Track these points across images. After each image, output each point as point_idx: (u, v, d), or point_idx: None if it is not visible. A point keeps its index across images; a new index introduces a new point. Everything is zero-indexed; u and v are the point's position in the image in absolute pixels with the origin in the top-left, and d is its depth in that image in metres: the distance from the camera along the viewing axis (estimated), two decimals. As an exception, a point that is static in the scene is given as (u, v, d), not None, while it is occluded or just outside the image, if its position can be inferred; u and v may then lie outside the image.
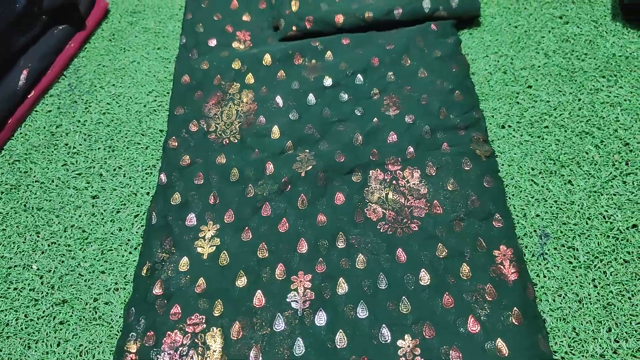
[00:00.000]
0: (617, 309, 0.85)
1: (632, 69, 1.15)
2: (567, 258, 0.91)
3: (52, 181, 1.09)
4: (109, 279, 0.95)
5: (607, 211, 0.95)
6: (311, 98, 1.15)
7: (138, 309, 0.88)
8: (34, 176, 1.10)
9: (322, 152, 1.05)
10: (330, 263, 0.90)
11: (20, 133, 1.18)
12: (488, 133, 1.07)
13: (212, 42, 1.30)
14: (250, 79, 1.20)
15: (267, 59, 1.23)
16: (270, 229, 0.95)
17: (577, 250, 0.91)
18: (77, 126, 1.19)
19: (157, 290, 0.89)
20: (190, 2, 1.40)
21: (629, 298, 0.85)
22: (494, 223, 0.93)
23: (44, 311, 0.92)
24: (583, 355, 0.81)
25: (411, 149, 1.04)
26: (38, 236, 1.01)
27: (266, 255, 0.92)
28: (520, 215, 0.96)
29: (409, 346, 0.81)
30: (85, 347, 0.87)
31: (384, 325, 0.83)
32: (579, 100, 1.12)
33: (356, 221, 0.95)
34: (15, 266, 0.98)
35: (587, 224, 0.94)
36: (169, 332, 0.85)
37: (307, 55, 1.23)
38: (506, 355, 0.78)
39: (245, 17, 1.36)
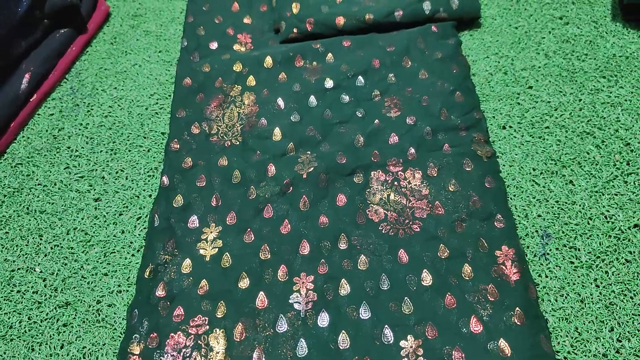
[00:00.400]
0: (619, 308, 0.85)
1: (632, 69, 1.16)
2: (569, 258, 0.91)
3: (55, 184, 1.10)
4: (111, 282, 0.95)
5: (608, 211, 0.95)
6: (312, 100, 1.15)
7: (141, 311, 0.88)
8: (37, 179, 1.11)
9: (323, 154, 1.05)
10: (332, 264, 0.91)
11: (23, 136, 1.19)
12: (489, 134, 1.08)
13: (214, 45, 1.31)
14: (251, 81, 1.21)
15: (268, 61, 1.23)
16: (273, 231, 0.95)
17: (579, 250, 0.91)
18: (79, 129, 1.19)
19: (160, 292, 0.90)
20: (191, 5, 1.40)
21: (631, 297, 0.86)
22: (495, 223, 0.93)
23: (47, 314, 0.92)
24: (585, 355, 0.81)
25: (412, 150, 1.04)
26: (41, 239, 1.02)
27: (268, 257, 0.92)
28: (521, 215, 0.97)
29: (411, 346, 0.81)
30: (89, 349, 0.88)
31: (386, 325, 0.83)
32: (580, 100, 1.12)
33: (358, 222, 0.95)
34: (19, 269, 0.98)
35: (588, 224, 0.94)
36: (172, 334, 0.85)
37: (308, 57, 1.24)
38: (509, 355, 0.78)
39: (246, 20, 1.36)
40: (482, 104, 1.14)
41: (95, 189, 1.08)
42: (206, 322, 0.86)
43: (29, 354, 0.88)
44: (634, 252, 0.90)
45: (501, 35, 1.27)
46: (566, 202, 0.97)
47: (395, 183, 1.00)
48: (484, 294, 0.85)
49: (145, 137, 1.16)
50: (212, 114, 1.15)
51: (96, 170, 1.11)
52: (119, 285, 0.94)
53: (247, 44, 1.31)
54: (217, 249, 0.94)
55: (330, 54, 1.24)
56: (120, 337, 0.88)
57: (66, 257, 0.99)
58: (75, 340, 0.89)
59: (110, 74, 1.30)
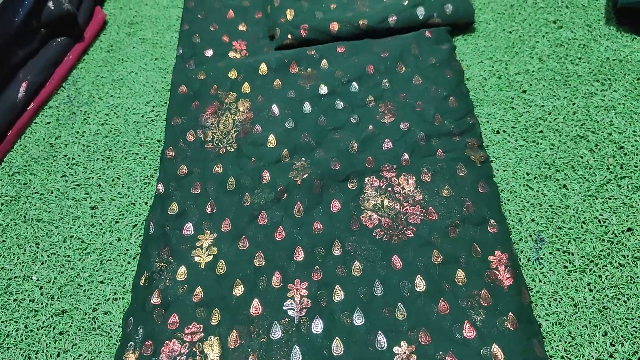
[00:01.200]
0: (613, 312, 0.85)
1: (625, 72, 1.16)
2: (563, 262, 0.91)
3: (52, 192, 1.10)
4: (107, 289, 0.96)
5: (602, 215, 0.96)
6: (307, 106, 1.16)
7: (136, 319, 0.88)
8: (34, 187, 1.11)
9: (317, 160, 1.05)
10: (326, 270, 0.91)
11: (20, 145, 1.20)
12: (483, 138, 1.08)
13: (209, 53, 1.31)
14: (246, 88, 1.21)
15: (263, 68, 1.24)
16: (267, 238, 0.96)
17: (573, 254, 0.92)
18: (76, 137, 1.20)
19: (155, 299, 0.90)
20: (186, 13, 1.41)
21: (625, 302, 0.86)
22: (489, 228, 0.93)
23: (43, 322, 0.93)
24: (579, 360, 0.81)
25: (406, 156, 1.04)
26: (38, 247, 1.02)
27: (263, 264, 0.93)
28: (515, 220, 0.97)
29: (405, 352, 0.81)
30: (85, 357, 0.88)
31: (380, 331, 0.83)
32: (574, 104, 1.12)
33: (352, 228, 0.96)
34: (15, 277, 0.99)
35: (582, 228, 0.95)
36: (167, 342, 0.85)
37: (302, 64, 1.24)
38: (502, 360, 0.79)
39: (242, 27, 1.37)
40: (476, 108, 1.14)
41: (91, 197, 1.09)
42: (201, 330, 0.86)
43: (26, 363, 0.89)
44: (628, 256, 0.90)
45: (495, 39, 1.28)
46: (560, 206, 0.97)
47: (389, 189, 1.00)
48: (477, 300, 0.85)
49: (141, 145, 1.17)
50: (207, 121, 1.16)
51: (92, 178, 1.12)
52: (115, 293, 0.95)
53: (242, 51, 1.32)
54: (211, 256, 0.95)
55: (324, 60, 1.24)
56: (116, 344, 0.89)
57: (62, 265, 0.99)
58: (72, 348, 0.89)
59: (106, 81, 1.31)
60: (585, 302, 0.86)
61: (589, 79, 1.16)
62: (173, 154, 1.10)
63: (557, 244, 0.93)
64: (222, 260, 0.94)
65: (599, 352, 0.81)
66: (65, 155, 1.17)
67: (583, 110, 1.11)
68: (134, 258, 0.99)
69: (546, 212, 0.97)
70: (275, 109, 1.16)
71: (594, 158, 1.03)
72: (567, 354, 0.82)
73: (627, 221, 0.94)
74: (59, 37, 1.34)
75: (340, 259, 0.92)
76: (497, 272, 0.87)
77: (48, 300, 0.95)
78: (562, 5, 1.32)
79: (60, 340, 0.90)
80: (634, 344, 0.81)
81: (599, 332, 0.83)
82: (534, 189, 1.00)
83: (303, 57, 1.25)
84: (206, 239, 0.97)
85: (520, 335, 0.81)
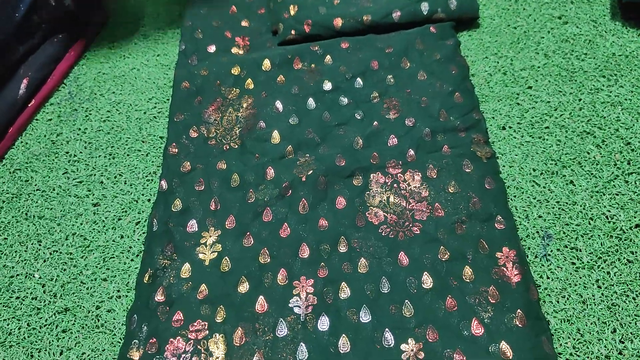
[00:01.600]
0: (622, 309, 0.84)
1: (632, 68, 1.15)
2: (570, 259, 0.90)
3: (53, 189, 1.09)
4: (111, 287, 0.95)
5: (609, 211, 0.95)
6: (311, 102, 1.15)
7: (140, 316, 0.87)
8: (35, 185, 1.10)
9: (322, 156, 1.04)
10: (332, 267, 0.90)
11: (21, 142, 1.19)
12: (489, 134, 1.07)
13: (212, 48, 1.30)
14: (249, 84, 1.20)
15: (267, 64, 1.23)
16: (272, 234, 0.95)
17: (580, 250, 0.91)
18: (78, 134, 1.19)
19: (159, 297, 0.89)
20: (189, 9, 1.40)
21: (634, 298, 0.85)
22: (496, 225, 0.92)
23: (46, 320, 0.92)
24: (588, 357, 0.80)
25: (412, 152, 1.03)
26: (40, 244, 1.01)
27: (268, 261, 0.92)
28: (522, 216, 0.96)
29: (412, 350, 0.80)
30: (88, 355, 0.87)
31: (387, 329, 0.82)
32: (580, 100, 1.11)
33: (358, 225, 0.95)
34: (17, 275, 0.98)
35: (589, 224, 0.94)
36: (172, 339, 0.85)
37: (306, 59, 1.23)
38: (510, 357, 0.78)
39: (244, 23, 1.36)
40: (481, 104, 1.13)
41: (94, 194, 1.08)
42: (206, 327, 0.86)
43: (28, 361, 0.88)
44: (636, 252, 0.90)
45: (500, 35, 1.27)
46: (567, 203, 0.97)
47: (395, 185, 0.99)
48: (484, 296, 0.84)
49: (143, 142, 1.16)
50: (211, 117, 1.15)
51: (95, 175, 1.11)
52: (118, 291, 0.94)
53: (245, 46, 1.31)
54: (216, 253, 0.94)
55: (328, 56, 1.23)
56: (119, 342, 0.88)
57: (65, 263, 0.98)
58: (75, 346, 0.89)
59: (108, 78, 1.30)
60: (594, 299, 0.85)
61: (595, 74, 1.15)
62: (176, 150, 1.09)
63: (564, 240, 0.92)
64: (226, 257, 0.93)
65: (608, 349, 0.81)
66: (67, 152, 1.16)
67: (589, 106, 1.10)
68: (137, 255, 0.98)
69: (553, 208, 0.96)
70: (279, 104, 1.15)
71: (600, 154, 1.02)
72: (576, 351, 0.81)
73: (635, 217, 0.93)
74: (60, 33, 1.33)
75: (346, 255, 0.91)
76: (504, 269, 0.87)
77: (51, 298, 0.94)
78: (567, 0, 1.31)
79: (64, 338, 0.90)
80: (643, 341, 0.81)
81: (607, 329, 0.82)
82: (540, 185, 1.00)
83: (306, 53, 1.24)
84: (210, 236, 0.96)
85: (529, 332, 0.80)
